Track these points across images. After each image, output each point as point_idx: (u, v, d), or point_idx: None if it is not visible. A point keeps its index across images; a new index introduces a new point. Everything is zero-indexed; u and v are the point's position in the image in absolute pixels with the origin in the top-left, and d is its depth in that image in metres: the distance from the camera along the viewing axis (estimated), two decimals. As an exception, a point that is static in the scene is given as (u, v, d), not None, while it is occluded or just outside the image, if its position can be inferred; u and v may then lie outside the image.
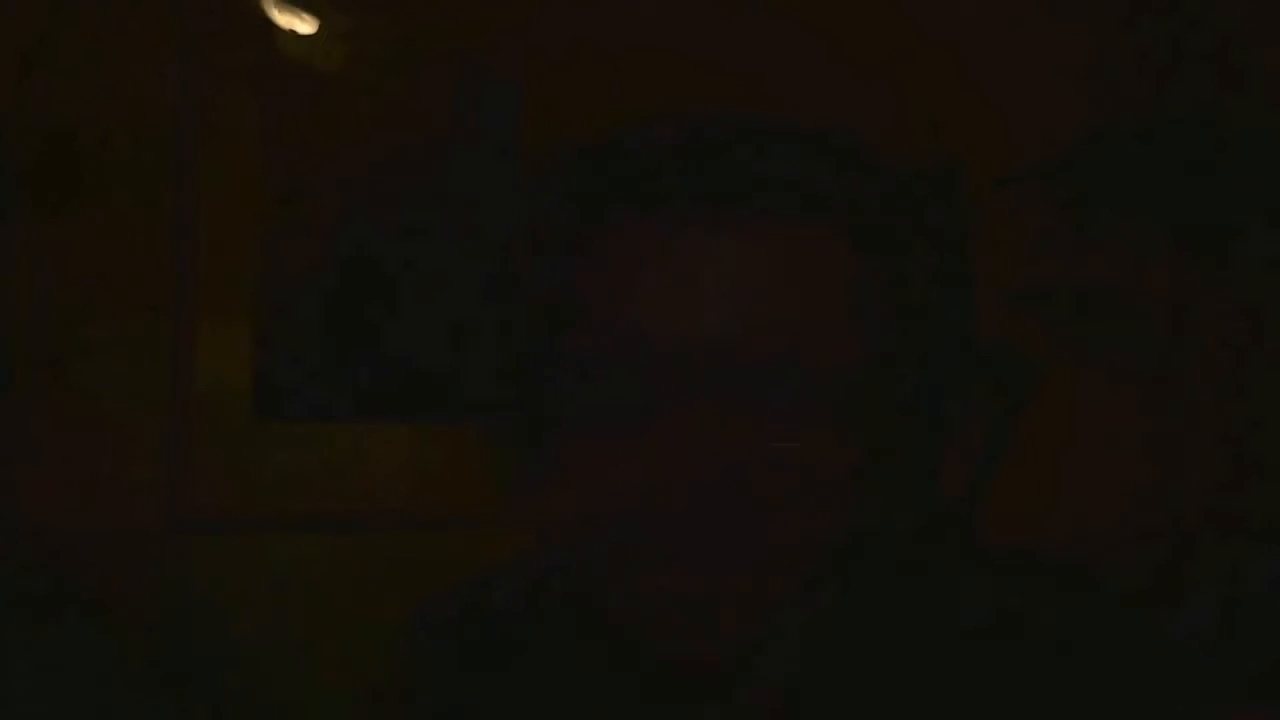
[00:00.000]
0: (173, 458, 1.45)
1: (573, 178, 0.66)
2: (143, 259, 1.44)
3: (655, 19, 1.50)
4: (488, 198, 1.55)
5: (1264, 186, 1.69)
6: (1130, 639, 0.68)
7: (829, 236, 0.62)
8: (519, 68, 1.55)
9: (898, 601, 0.68)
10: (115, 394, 1.43)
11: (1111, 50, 1.70)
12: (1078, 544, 1.26)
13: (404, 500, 1.53)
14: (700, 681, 0.66)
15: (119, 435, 1.43)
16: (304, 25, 1.49)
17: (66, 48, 1.40)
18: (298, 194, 1.51)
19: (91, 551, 1.41)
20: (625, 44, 1.47)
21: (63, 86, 1.40)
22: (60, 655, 1.35)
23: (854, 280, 0.63)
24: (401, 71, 1.54)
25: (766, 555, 0.61)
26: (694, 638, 0.61)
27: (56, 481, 1.40)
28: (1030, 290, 1.60)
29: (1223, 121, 1.69)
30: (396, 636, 0.78)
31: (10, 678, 1.33)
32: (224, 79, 1.45)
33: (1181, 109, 1.70)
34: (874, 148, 0.65)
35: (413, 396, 1.55)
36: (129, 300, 1.44)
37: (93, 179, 1.42)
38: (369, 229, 1.54)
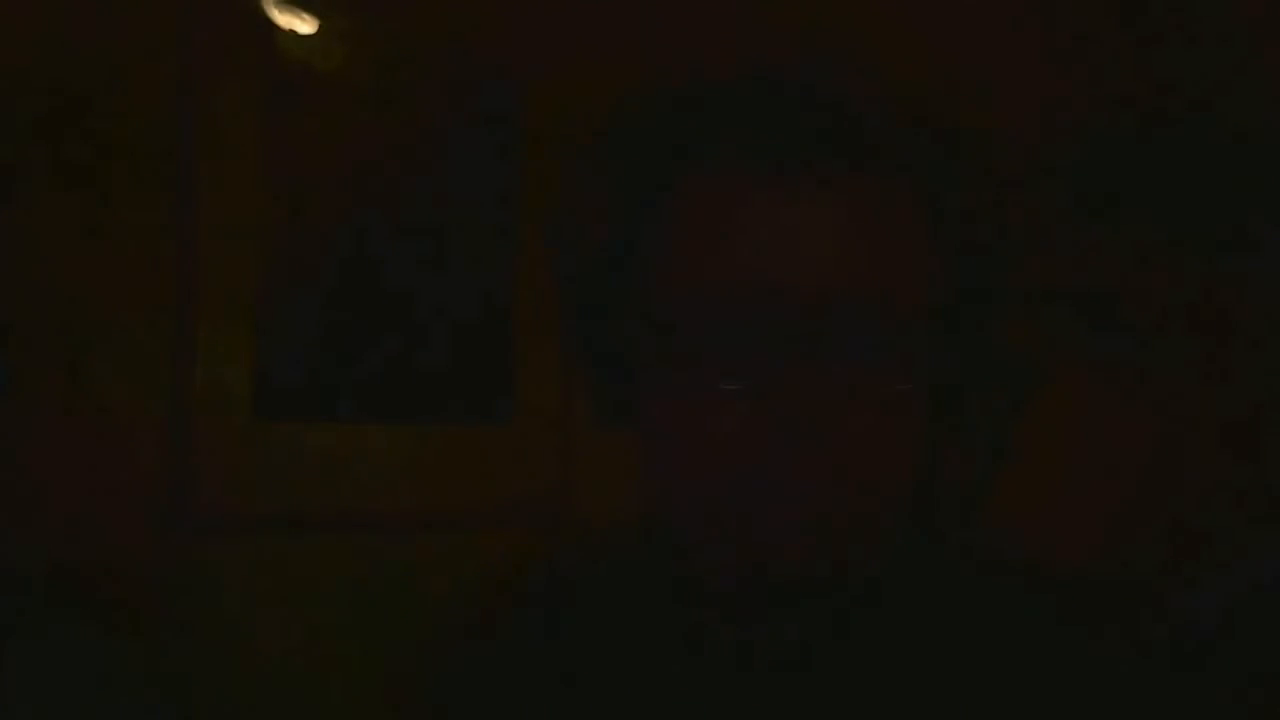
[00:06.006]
0: (174, 458, 1.45)
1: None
2: (144, 260, 1.44)
3: (655, 18, 1.50)
4: (489, 197, 1.55)
5: (1264, 186, 1.69)
6: (1131, 640, 0.68)
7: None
8: (519, 67, 1.55)
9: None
10: (117, 394, 1.42)
11: (1112, 49, 1.70)
12: (1078, 544, 1.26)
13: (404, 500, 1.53)
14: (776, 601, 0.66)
15: (120, 435, 1.43)
16: (304, 25, 1.49)
17: (68, 50, 1.40)
18: (298, 195, 1.51)
19: (93, 551, 1.41)
20: (625, 43, 1.47)
21: (63, 89, 1.40)
22: (61, 656, 1.35)
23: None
24: (402, 71, 1.54)
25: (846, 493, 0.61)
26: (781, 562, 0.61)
27: (58, 482, 1.40)
28: (1031, 290, 1.60)
29: (1223, 121, 1.69)
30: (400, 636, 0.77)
31: (11, 678, 1.33)
32: (225, 80, 1.45)
33: (1181, 109, 1.70)
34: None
35: (412, 397, 1.55)
36: (130, 300, 1.43)
37: (94, 181, 1.42)
38: (369, 229, 1.54)
